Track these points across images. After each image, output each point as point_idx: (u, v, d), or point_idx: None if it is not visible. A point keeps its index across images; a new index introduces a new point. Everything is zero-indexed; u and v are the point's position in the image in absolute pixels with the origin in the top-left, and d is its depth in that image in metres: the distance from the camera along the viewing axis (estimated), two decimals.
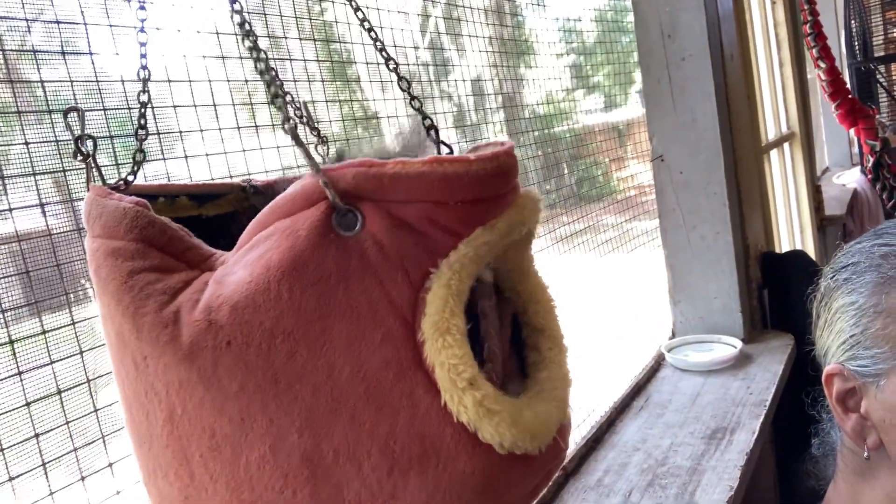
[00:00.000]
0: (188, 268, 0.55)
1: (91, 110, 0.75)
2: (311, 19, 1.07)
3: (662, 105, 1.56)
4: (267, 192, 0.73)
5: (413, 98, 0.70)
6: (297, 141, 0.54)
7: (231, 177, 0.88)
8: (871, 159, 3.93)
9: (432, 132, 0.69)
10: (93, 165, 0.61)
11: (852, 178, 3.88)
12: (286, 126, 0.53)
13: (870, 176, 3.90)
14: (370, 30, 0.72)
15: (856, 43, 4.09)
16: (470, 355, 0.51)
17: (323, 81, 1.09)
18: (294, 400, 0.49)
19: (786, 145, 2.61)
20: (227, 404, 0.50)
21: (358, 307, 0.51)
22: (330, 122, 1.09)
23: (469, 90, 1.56)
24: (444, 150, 0.69)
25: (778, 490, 1.45)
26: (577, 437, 1.20)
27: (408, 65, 1.37)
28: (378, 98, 1.23)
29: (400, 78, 0.71)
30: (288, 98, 0.73)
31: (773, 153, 2.43)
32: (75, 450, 0.72)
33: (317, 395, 0.49)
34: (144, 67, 0.62)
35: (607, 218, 2.24)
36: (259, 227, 0.54)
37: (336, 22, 1.14)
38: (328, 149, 0.78)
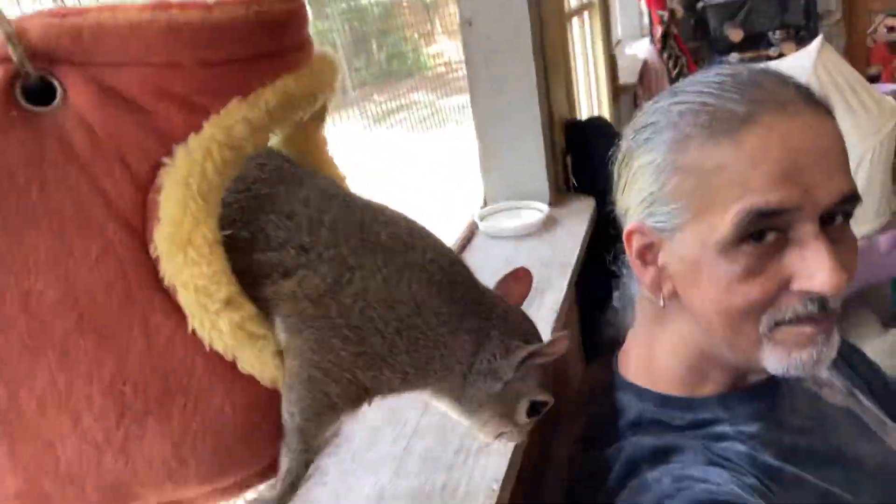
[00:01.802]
0: None
1: None
2: None
3: None
4: None
5: None
6: None
7: None
8: (660, 30, 4.09)
9: None
10: None
11: (642, 49, 4.02)
12: None
13: (658, 46, 4.08)
14: None
15: None
16: (225, 271, 0.39)
17: None
18: None
19: (585, 14, 2.59)
20: None
21: (61, 213, 0.36)
22: None
23: None
24: None
25: (581, 341, 1.50)
26: None
27: None
28: None
29: None
30: None
31: (574, 22, 2.40)
32: None
33: (7, 332, 0.35)
34: None
35: (418, 95, 2.13)
36: None
37: None
38: None
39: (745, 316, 0.70)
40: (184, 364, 0.38)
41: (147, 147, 0.38)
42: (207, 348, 0.39)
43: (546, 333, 1.04)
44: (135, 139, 0.38)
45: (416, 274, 0.47)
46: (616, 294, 0.97)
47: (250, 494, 0.45)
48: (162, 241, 0.38)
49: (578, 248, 1.33)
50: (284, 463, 0.44)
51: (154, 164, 0.38)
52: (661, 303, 0.78)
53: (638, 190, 0.76)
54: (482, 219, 1.49)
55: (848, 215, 0.72)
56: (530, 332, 0.56)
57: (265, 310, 0.44)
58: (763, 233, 0.68)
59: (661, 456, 0.74)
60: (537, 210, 1.49)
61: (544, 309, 1.12)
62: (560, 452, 0.90)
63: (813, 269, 0.67)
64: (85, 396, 0.36)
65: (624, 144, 0.80)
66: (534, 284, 1.19)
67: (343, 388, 0.44)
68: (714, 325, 0.73)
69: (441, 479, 0.77)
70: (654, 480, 0.71)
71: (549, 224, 1.47)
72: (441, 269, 0.49)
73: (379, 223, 0.48)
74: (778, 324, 0.70)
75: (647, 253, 0.77)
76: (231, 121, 0.40)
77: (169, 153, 0.38)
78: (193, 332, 0.38)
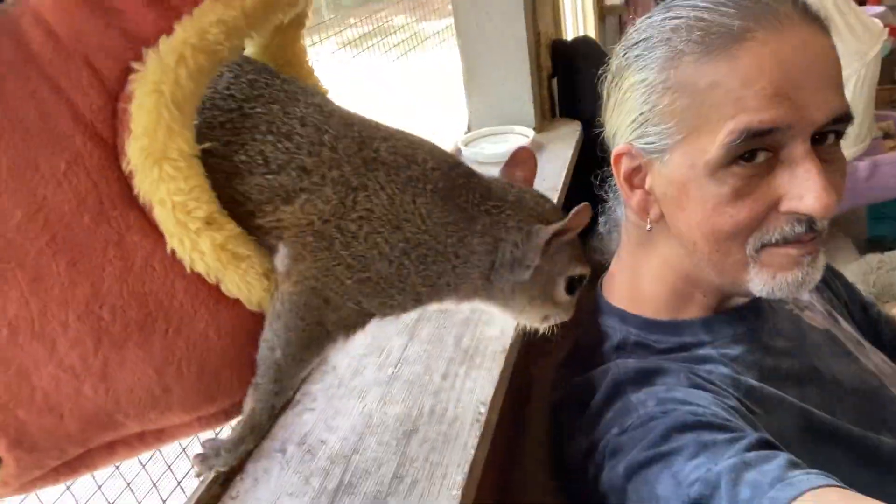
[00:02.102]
0: None
1: None
2: None
3: None
4: None
5: None
6: None
7: None
8: None
9: None
10: None
11: None
12: None
13: None
14: None
15: None
16: (204, 187, 0.36)
17: None
18: None
19: None
20: None
21: (24, 123, 0.33)
22: None
23: None
24: None
25: None
26: None
27: None
28: None
29: None
30: None
31: None
32: None
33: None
34: None
35: (396, 19, 2.04)
36: None
37: None
38: None
39: (731, 238, 0.70)
40: (164, 287, 0.35)
41: (115, 50, 0.34)
42: (188, 270, 0.37)
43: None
44: (101, 41, 0.34)
45: (419, 187, 0.45)
46: (601, 219, 0.96)
47: (209, 435, 0.44)
48: (135, 154, 0.35)
49: (564, 172, 1.31)
50: (248, 403, 0.42)
51: (123, 68, 0.35)
52: (648, 226, 0.77)
53: (628, 110, 0.74)
54: (466, 144, 1.46)
55: (839, 135, 0.70)
56: (548, 212, 0.53)
57: (267, 239, 0.42)
58: (754, 153, 0.66)
59: (645, 378, 0.74)
60: (522, 135, 1.46)
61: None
62: (545, 376, 0.91)
63: (803, 189, 0.66)
64: (59, 322, 0.34)
65: (614, 63, 0.77)
66: None
67: (343, 315, 0.42)
68: (700, 248, 0.72)
69: (428, 403, 0.77)
70: (638, 402, 0.72)
71: (534, 149, 1.43)
72: (444, 175, 0.47)
73: (378, 139, 0.45)
74: (764, 245, 0.70)
75: (635, 176, 0.75)
76: (205, 22, 0.36)
77: (138, 57, 0.35)
78: (173, 253, 0.36)
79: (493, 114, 1.51)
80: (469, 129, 1.55)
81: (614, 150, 0.76)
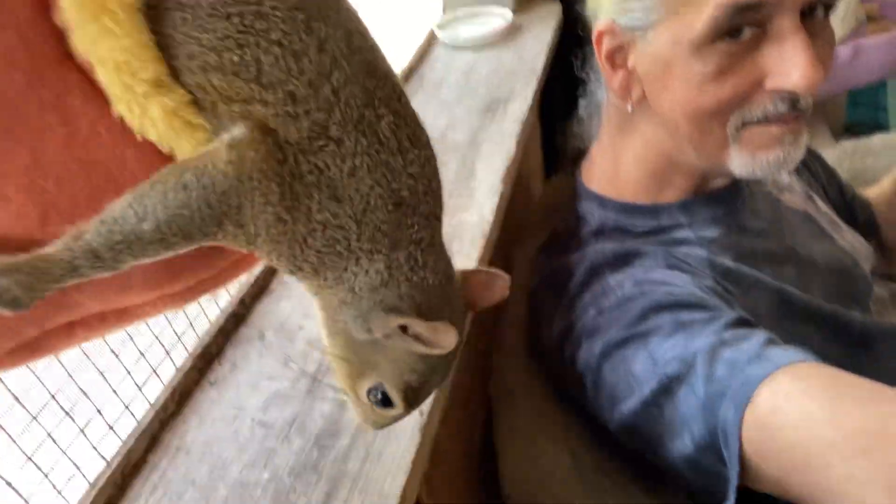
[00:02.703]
0: None
1: None
2: None
3: None
4: None
5: None
6: None
7: None
8: None
9: None
10: None
11: None
12: None
13: None
14: None
15: None
16: (149, 45, 0.32)
17: None
18: None
19: None
20: None
21: None
22: None
23: None
24: None
25: (543, 153, 1.47)
26: None
27: None
28: None
29: None
30: None
31: None
32: None
33: None
34: None
35: None
36: None
37: None
38: None
39: (713, 117, 0.68)
40: (113, 156, 0.32)
41: None
42: (139, 138, 0.33)
43: (510, 147, 1.02)
44: None
45: (386, 179, 0.39)
46: (582, 103, 0.93)
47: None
48: (69, 6, 0.30)
49: (544, 55, 1.25)
50: (50, 247, 0.33)
51: None
52: (629, 108, 0.75)
53: None
54: (441, 28, 1.38)
55: (829, 8, 0.67)
56: (443, 315, 0.43)
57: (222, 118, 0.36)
58: (740, 29, 0.64)
59: (622, 260, 0.74)
60: (500, 17, 1.39)
61: (508, 120, 1.07)
62: (524, 261, 0.90)
63: (790, 65, 0.64)
64: None
65: None
66: (497, 94, 1.15)
67: (213, 228, 0.36)
68: (681, 128, 0.71)
69: None
70: (615, 284, 0.71)
71: (513, 32, 1.37)
72: (418, 192, 0.40)
73: (388, 109, 0.39)
74: (746, 124, 0.68)
75: (617, 55, 0.73)
76: None
77: None
78: (121, 119, 0.32)
79: None
80: (444, 12, 1.47)
81: (596, 28, 0.73)
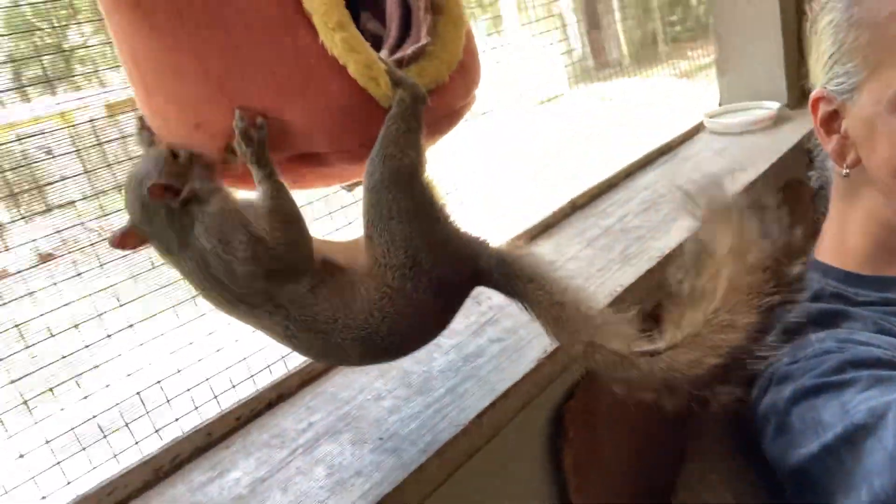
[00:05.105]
0: None
1: None
2: None
3: None
4: None
5: None
6: None
7: None
8: None
9: None
10: None
11: None
12: None
13: None
14: None
15: None
16: (339, 4, 0.56)
17: None
18: (209, 38, 0.56)
19: None
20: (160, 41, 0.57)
21: None
22: None
23: None
24: None
25: None
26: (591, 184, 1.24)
27: None
28: None
29: None
30: None
31: None
32: None
33: (229, 33, 0.56)
34: None
35: None
36: None
37: None
38: None
39: None
40: (317, 60, 0.56)
41: None
42: (329, 53, 0.57)
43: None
44: None
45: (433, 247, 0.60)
46: (813, 175, 0.93)
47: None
48: None
49: (799, 138, 1.26)
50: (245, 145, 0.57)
51: None
52: (844, 172, 0.74)
53: (821, 53, 0.74)
54: (710, 116, 1.47)
55: None
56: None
57: None
58: None
59: (828, 319, 0.71)
60: (767, 108, 1.42)
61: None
62: None
63: None
64: (252, 79, 0.56)
65: (812, 11, 0.77)
66: (731, 167, 1.19)
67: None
68: (892, 189, 0.69)
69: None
70: (816, 339, 0.69)
71: (779, 122, 1.39)
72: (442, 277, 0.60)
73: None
74: None
75: (832, 121, 0.74)
76: None
77: None
78: (322, 44, 0.56)
79: (744, 90, 1.49)
80: (720, 104, 1.56)
81: (811, 96, 0.75)
